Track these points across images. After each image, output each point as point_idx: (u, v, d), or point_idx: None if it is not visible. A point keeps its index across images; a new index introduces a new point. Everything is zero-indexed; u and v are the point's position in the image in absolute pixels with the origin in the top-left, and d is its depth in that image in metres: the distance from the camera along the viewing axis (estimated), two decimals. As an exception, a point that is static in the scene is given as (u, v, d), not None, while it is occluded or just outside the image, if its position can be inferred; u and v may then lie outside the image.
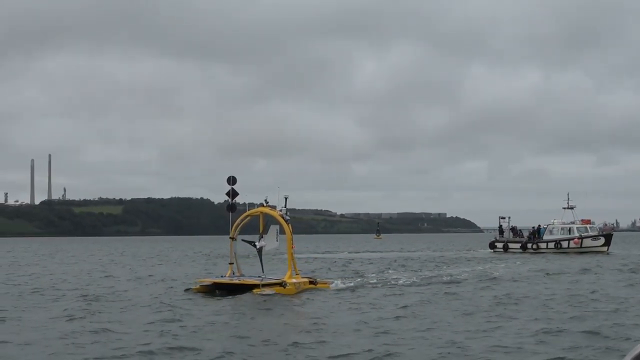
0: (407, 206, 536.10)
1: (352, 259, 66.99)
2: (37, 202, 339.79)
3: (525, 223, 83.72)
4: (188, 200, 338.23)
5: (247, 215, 32.51)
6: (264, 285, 30.25)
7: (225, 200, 34.51)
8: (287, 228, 31.99)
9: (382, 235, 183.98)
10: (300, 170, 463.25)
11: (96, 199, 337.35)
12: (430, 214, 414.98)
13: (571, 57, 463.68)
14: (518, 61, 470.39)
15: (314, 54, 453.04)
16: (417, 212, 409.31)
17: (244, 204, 34.23)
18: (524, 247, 75.59)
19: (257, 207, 32.66)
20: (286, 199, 32.87)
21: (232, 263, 32.53)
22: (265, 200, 32.63)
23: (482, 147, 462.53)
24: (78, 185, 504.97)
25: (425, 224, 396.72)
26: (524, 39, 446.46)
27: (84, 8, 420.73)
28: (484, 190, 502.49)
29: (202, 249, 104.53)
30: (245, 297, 29.15)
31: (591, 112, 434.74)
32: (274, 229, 31.99)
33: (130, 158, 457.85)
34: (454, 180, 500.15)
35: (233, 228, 32.76)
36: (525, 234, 79.09)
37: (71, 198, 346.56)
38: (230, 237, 32.63)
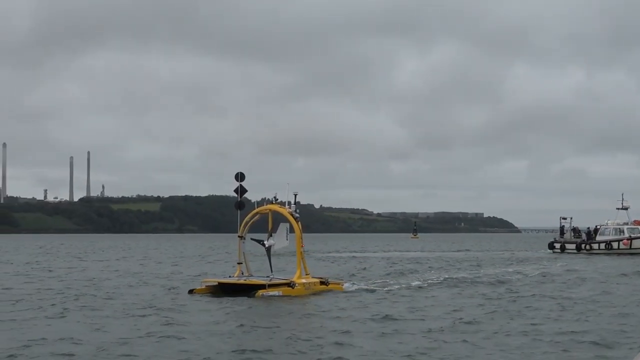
0: (444, 205, 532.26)
1: (389, 258, 66.43)
2: (75, 199, 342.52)
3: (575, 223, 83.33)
4: (225, 198, 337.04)
5: (256, 213, 31.51)
6: (270, 286, 29.06)
7: (262, 199, 32.57)
8: (297, 226, 30.80)
9: (418, 235, 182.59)
10: (338, 169, 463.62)
11: (134, 196, 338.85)
12: (467, 213, 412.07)
13: (615, 56, 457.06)
14: (561, 60, 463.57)
15: (355, 52, 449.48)
16: (454, 211, 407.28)
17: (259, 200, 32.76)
18: (578, 248, 75.98)
19: (266, 205, 31.58)
20: (295, 195, 31.94)
21: (241, 263, 31.35)
22: (275, 197, 31.64)
23: (522, 147, 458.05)
24: (117, 183, 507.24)
25: (462, 224, 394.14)
26: (567, 37, 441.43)
27: (126, 5, 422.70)
28: (523, 190, 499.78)
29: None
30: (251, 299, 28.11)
31: (634, 111, 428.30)
32: (283, 227, 30.96)
33: (170, 156, 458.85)
34: (493, 179, 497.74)
35: (242, 226, 31.60)
36: (583, 235, 79.01)
37: (109, 195, 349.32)
38: (238, 236, 31.53)
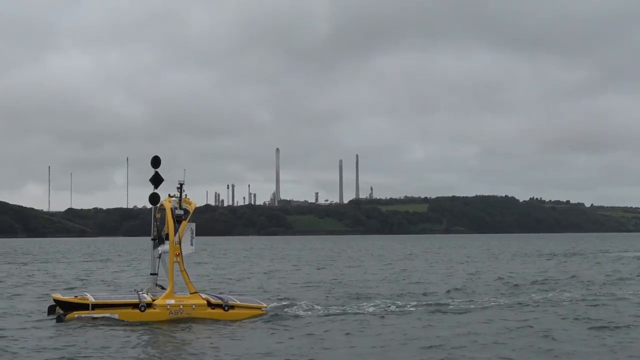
0: None
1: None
2: (345, 201, 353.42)
3: None
4: (492, 198, 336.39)
5: (161, 209, 24.19)
6: (99, 307, 22.37)
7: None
8: (172, 227, 23.29)
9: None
10: (620, 166, 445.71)
11: (402, 198, 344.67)
12: None
13: None
14: None
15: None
16: None
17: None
18: None
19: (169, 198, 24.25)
20: (181, 185, 23.83)
21: (156, 273, 24.31)
22: (178, 187, 23.91)
23: None
24: (386, 184, 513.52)
25: None
26: None
27: (417, 6, 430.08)
28: None
29: (542, 247, 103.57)
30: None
31: None
32: (187, 228, 23.66)
33: (447, 156, 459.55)
34: None
35: (154, 226, 24.53)
36: None
37: (377, 197, 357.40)
38: (152, 239, 24.44)
